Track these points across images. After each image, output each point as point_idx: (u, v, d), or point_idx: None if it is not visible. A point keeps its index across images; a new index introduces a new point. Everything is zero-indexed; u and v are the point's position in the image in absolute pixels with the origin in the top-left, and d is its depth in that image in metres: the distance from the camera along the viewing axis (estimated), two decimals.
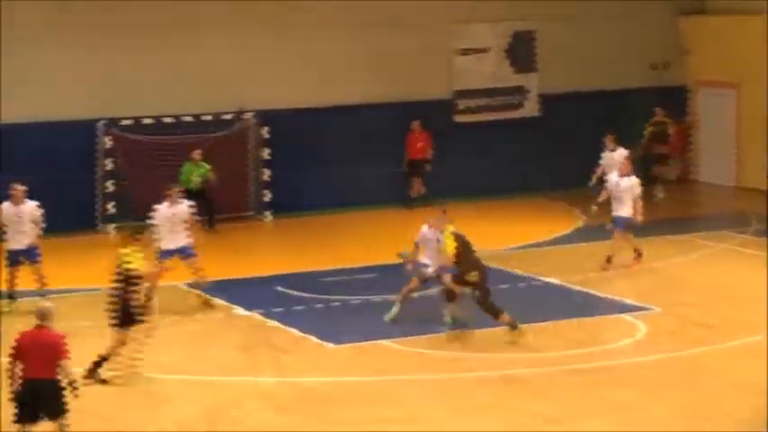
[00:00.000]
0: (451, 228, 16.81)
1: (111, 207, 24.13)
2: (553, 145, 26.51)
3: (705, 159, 27.99)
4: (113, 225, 24.03)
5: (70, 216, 23.58)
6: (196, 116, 24.57)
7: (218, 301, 18.57)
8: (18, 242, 18.03)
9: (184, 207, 18.23)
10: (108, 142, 24.07)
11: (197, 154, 23.75)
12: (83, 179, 23.94)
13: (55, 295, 18.96)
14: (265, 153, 25.13)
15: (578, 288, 19.01)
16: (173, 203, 18.18)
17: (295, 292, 18.85)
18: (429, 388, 14.62)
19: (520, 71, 27.26)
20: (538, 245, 22.10)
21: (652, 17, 27.91)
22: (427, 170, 25.81)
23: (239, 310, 18.16)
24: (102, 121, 24.09)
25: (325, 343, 16.42)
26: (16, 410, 11.88)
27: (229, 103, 24.82)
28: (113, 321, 14.87)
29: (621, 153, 22.13)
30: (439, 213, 17.23)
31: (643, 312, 17.53)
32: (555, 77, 27.14)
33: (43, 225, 18.37)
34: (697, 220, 24.85)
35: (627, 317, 17.41)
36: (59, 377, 11.84)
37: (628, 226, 19.83)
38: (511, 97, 27.28)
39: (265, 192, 25.11)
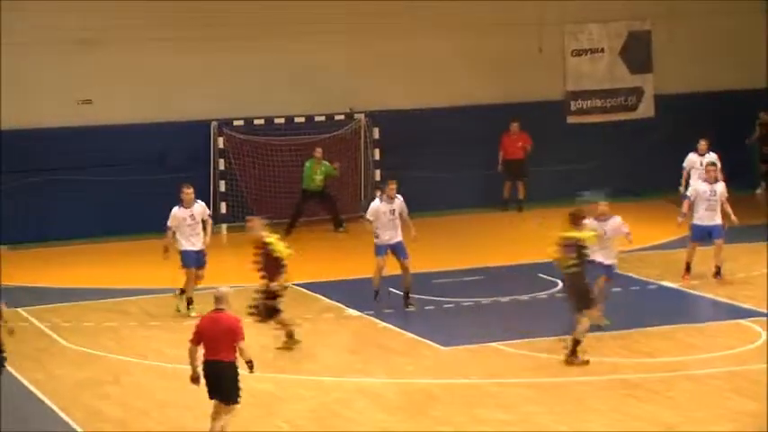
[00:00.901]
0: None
1: (223, 207, 24.31)
2: (669, 146, 26.00)
3: None
4: (226, 225, 24.21)
5: None
6: (308, 117, 24.64)
7: (330, 302, 18.57)
8: (192, 244, 17.96)
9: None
10: (221, 143, 24.27)
11: (318, 152, 23.85)
12: (196, 179, 24.14)
13: (167, 294, 19.19)
14: (376, 153, 25.09)
15: (694, 292, 18.57)
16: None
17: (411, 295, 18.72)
18: (540, 391, 14.39)
19: (635, 72, 26.83)
20: (653, 248, 21.67)
21: None
22: (526, 172, 25.49)
23: (351, 311, 18.12)
24: (215, 122, 24.29)
25: (436, 345, 16.29)
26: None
27: (341, 103, 24.85)
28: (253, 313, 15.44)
29: (709, 158, 21.47)
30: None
31: (763, 318, 17.03)
32: (671, 78, 26.66)
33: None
34: None
35: (746, 322, 16.95)
36: (236, 360, 12.16)
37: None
38: (626, 98, 26.86)
39: (376, 192, 25.04)
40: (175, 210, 18.10)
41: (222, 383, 12.20)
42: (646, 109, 26.94)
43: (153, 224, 23.42)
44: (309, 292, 19.14)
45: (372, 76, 25.14)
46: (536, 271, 20.01)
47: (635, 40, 26.77)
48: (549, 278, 19.47)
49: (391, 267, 18.35)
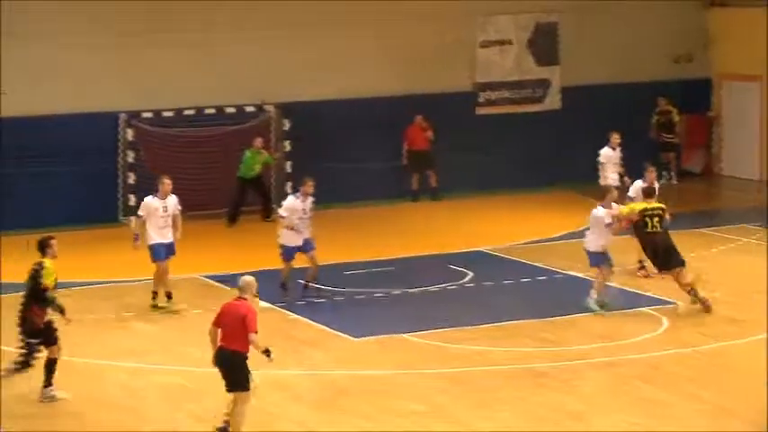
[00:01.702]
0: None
1: (132, 199, 24.15)
2: (575, 138, 26.39)
3: (729, 153, 27.82)
4: (134, 217, 24.05)
5: (93, 208, 23.69)
6: (218, 108, 24.58)
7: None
8: (163, 236, 17.77)
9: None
10: (130, 134, 24.11)
11: (259, 142, 23.94)
12: (105, 171, 24.00)
13: (76, 288, 19.05)
14: (287, 145, 25.11)
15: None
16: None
17: (317, 285, 18.81)
18: (450, 381, 14.58)
19: (542, 64, 27.15)
20: (560, 238, 22.01)
21: (675, 9, 27.74)
22: (432, 163, 25.72)
23: (262, 303, 18.04)
24: (124, 114, 24.12)
25: (347, 336, 16.40)
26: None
27: (252, 95, 24.82)
28: None
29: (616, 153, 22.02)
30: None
31: (666, 307, 17.42)
32: (577, 70, 27.02)
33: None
34: (721, 214, 24.74)
35: (650, 311, 17.33)
36: (246, 350, 12.17)
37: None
38: (533, 90, 27.18)
39: (287, 183, 25.08)
40: (149, 199, 17.94)
41: (231, 372, 12.20)
42: (552, 101, 27.28)
43: (62, 217, 23.29)
44: (218, 285, 19.11)
45: (283, 67, 25.11)
46: (446, 262, 20.25)
47: (542, 32, 27.07)
48: (460, 269, 19.72)
49: (301, 260, 18.42)
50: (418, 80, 25.86)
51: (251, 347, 12.32)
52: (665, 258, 17.42)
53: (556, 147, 26.58)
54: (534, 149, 26.51)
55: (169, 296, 17.89)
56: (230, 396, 12.55)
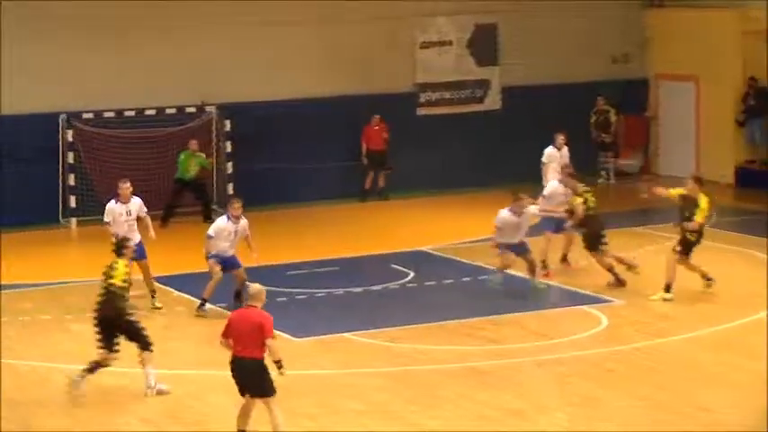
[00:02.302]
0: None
1: (73, 201, 24.02)
2: (514, 139, 26.62)
3: (665, 152, 28.20)
4: (75, 219, 23.97)
5: (33, 209, 23.53)
6: (159, 109, 24.52)
7: (182, 295, 18.56)
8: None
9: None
10: (70, 136, 23.98)
11: (194, 144, 23.89)
12: (45, 173, 23.83)
13: (17, 290, 18.94)
14: (228, 146, 25.09)
15: (539, 280, 19.10)
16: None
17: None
18: (391, 380, 14.67)
19: (482, 64, 27.35)
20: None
21: (614, 10, 28.07)
22: (386, 163, 25.91)
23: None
24: (64, 115, 23.98)
25: (288, 336, 16.42)
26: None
27: (193, 96, 24.77)
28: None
29: (565, 152, 22.34)
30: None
31: (604, 304, 17.65)
32: (517, 71, 27.25)
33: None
34: (656, 213, 25.00)
35: (588, 309, 17.53)
36: (264, 356, 12.12)
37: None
38: (473, 90, 27.37)
39: (228, 185, 25.07)
40: (111, 204, 17.80)
41: (253, 379, 12.15)
42: (492, 101, 27.49)
43: (3, 218, 23.11)
44: (161, 285, 19.07)
45: (226, 68, 25.09)
46: (389, 261, 20.35)
47: (482, 33, 27.26)
48: (402, 269, 19.83)
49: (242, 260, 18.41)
50: (360, 80, 25.95)
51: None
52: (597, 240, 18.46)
53: (496, 147, 26.78)
54: (475, 149, 26.70)
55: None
56: (249, 404, 12.43)
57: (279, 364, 12.23)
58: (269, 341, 12.11)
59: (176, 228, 23.43)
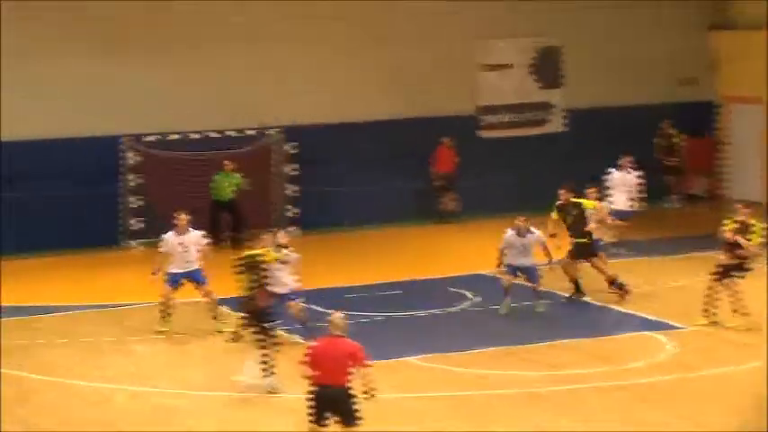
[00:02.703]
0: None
1: (135, 223, 24.15)
2: (577, 161, 26.38)
3: (734, 175, 27.79)
4: (137, 241, 24.09)
5: (94, 231, 23.69)
6: (221, 131, 24.61)
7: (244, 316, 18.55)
8: (181, 267, 17.85)
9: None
10: (132, 158, 24.13)
11: (229, 165, 23.87)
12: (107, 195, 23.99)
13: (77, 311, 19.06)
14: (290, 169, 25.12)
15: (602, 304, 18.86)
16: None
17: (320, 308, 18.75)
18: (451, 405, 14.52)
19: (545, 87, 27.18)
20: (561, 261, 21.92)
21: (679, 32, 27.78)
22: (456, 185, 25.81)
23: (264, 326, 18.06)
24: (126, 137, 24.15)
25: None
26: (310, 411, 12.21)
27: (254, 118, 24.86)
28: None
29: (634, 176, 22.12)
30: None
31: (670, 330, 17.36)
32: (581, 93, 27.05)
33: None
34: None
35: (654, 334, 17.26)
36: (351, 384, 12.13)
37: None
38: (536, 113, 27.19)
39: (290, 207, 25.08)
40: (168, 235, 17.98)
41: (343, 408, 12.13)
42: (555, 124, 27.30)
43: (64, 240, 23.31)
44: (224, 308, 19.07)
45: (286, 91, 25.15)
46: (450, 285, 20.19)
47: (544, 55, 27.10)
48: (463, 292, 19.68)
49: (317, 281, 18.32)
50: (421, 103, 25.89)
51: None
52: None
53: (559, 170, 26.53)
54: (537, 172, 26.49)
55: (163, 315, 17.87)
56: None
57: (371, 392, 12.23)
58: (364, 370, 12.11)
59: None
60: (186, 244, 17.90)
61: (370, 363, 12.13)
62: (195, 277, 17.87)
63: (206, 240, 18.16)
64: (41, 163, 23.53)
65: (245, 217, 23.98)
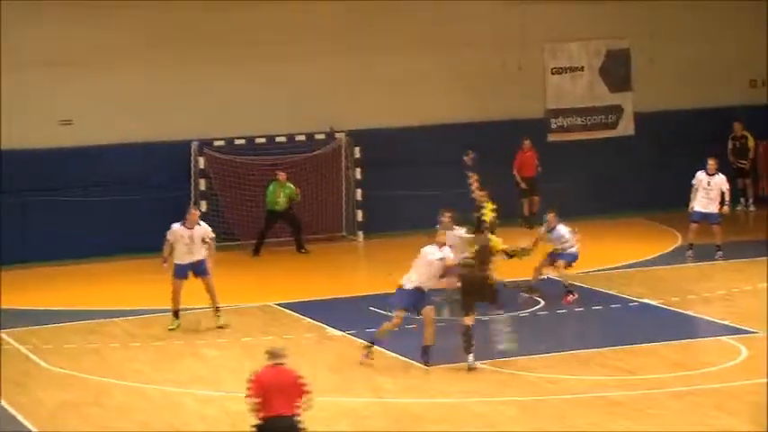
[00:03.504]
0: None
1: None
2: (649, 164, 26.12)
3: None
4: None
5: (165, 236, 23.83)
6: (289, 136, 24.66)
7: (311, 321, 18.57)
8: (187, 259, 18.24)
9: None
10: (202, 163, 24.26)
11: (282, 175, 23.89)
12: (178, 199, 24.11)
13: (147, 315, 19.18)
14: (357, 173, 25.11)
15: (676, 309, 18.62)
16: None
17: (388, 313, 18.69)
18: (521, 410, 14.38)
19: (614, 90, 26.96)
20: (633, 265, 21.72)
21: (749, 33, 27.39)
22: (538, 189, 25.62)
23: (332, 331, 18.10)
24: (196, 142, 24.28)
25: (418, 364, 16.25)
26: None
27: (322, 123, 24.88)
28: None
29: (722, 179, 21.72)
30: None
31: (744, 335, 17.08)
32: (650, 96, 26.77)
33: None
34: None
35: (728, 339, 16.99)
36: (299, 413, 11.66)
37: None
38: (605, 116, 26.97)
39: (358, 212, 25.07)
40: (176, 226, 18.36)
41: None
42: (625, 127, 27.05)
43: (135, 245, 23.48)
44: (290, 312, 19.11)
45: (353, 94, 25.18)
46: (519, 289, 20.00)
47: (614, 58, 26.89)
48: (530, 296, 19.51)
49: (371, 287, 18.29)
50: (490, 107, 25.78)
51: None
52: None
53: (629, 173, 26.30)
54: (607, 176, 26.26)
55: (175, 314, 18.24)
56: None
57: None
58: (307, 397, 11.61)
59: (276, 255, 23.51)
60: (194, 237, 18.20)
61: (309, 390, 11.62)
62: (200, 268, 18.20)
63: (212, 235, 18.47)
64: (115, 168, 23.76)
65: (301, 223, 24.01)
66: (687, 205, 21.81)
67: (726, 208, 21.58)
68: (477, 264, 16.11)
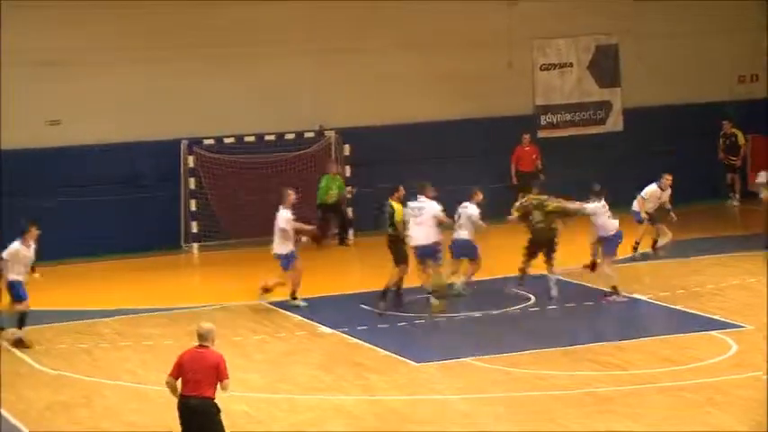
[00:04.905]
0: None
1: (194, 226, 24.26)
2: (637, 160, 26.16)
3: None
4: (196, 244, 24.20)
5: (155, 235, 23.83)
6: (278, 135, 24.67)
7: (301, 319, 18.58)
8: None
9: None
10: (191, 161, 24.25)
11: (333, 168, 24.02)
12: (167, 198, 24.13)
13: (138, 314, 19.18)
14: (347, 170, 25.11)
15: (665, 304, 18.67)
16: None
17: (377, 310, 18.75)
18: (511, 406, 14.40)
19: (603, 86, 27.00)
20: (622, 261, 21.73)
21: (738, 29, 27.45)
22: (541, 181, 25.62)
23: (323, 329, 18.11)
24: (185, 141, 24.27)
25: (408, 361, 16.29)
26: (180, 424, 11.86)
27: (311, 121, 24.88)
28: None
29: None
30: None
31: (734, 330, 17.13)
32: (639, 92, 26.82)
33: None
34: None
35: (717, 334, 17.03)
36: (215, 397, 11.73)
37: None
38: (595, 112, 27.01)
39: (348, 210, 25.07)
40: (16, 244, 17.68)
41: (203, 420, 11.68)
42: (614, 122, 27.10)
43: (124, 244, 23.48)
44: (281, 310, 19.12)
45: (342, 93, 25.18)
46: (510, 285, 20.05)
47: (603, 54, 26.93)
48: (522, 292, 19.55)
49: (362, 284, 18.33)
50: (479, 104, 25.80)
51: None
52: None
53: (618, 168, 26.33)
54: (597, 171, 26.25)
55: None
56: None
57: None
58: (227, 382, 11.68)
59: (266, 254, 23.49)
60: (30, 256, 17.63)
61: (228, 376, 11.66)
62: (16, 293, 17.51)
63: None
64: (104, 168, 23.74)
65: (346, 216, 24.38)
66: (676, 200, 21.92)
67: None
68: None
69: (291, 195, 19.30)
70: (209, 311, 18.80)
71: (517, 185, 25.58)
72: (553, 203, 19.21)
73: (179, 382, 11.81)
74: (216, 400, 11.74)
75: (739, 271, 20.33)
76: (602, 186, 19.77)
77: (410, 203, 18.85)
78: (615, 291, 18.82)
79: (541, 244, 19.09)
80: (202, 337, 11.89)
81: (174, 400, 11.84)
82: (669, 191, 21.88)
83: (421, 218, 18.60)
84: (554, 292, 18.90)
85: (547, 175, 25.76)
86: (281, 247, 18.93)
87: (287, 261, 18.87)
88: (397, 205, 18.94)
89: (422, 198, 18.85)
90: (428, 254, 18.58)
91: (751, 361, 15.79)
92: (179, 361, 11.88)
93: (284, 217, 18.98)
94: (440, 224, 18.75)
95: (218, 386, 11.73)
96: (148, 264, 23.08)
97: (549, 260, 19.15)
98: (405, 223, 18.70)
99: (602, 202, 19.39)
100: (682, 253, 21.76)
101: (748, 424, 13.45)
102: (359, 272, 23.08)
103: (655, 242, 21.73)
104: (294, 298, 19.04)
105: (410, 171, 25.20)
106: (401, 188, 19.14)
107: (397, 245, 18.76)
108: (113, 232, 23.63)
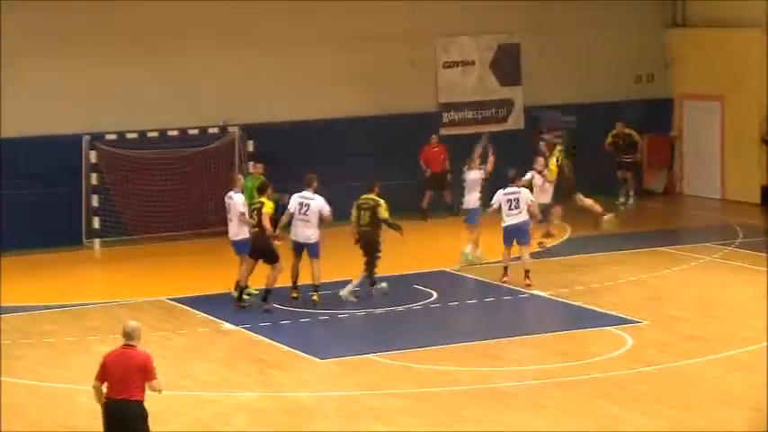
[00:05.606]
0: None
1: (96, 222, 24.06)
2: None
3: (690, 172, 28.05)
4: (98, 240, 24.01)
5: (56, 230, 23.57)
6: (181, 130, 24.56)
7: (204, 316, 18.55)
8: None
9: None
10: (93, 157, 24.04)
11: (255, 168, 23.77)
12: (68, 194, 23.88)
13: (39, 311, 18.99)
14: (250, 167, 25.05)
15: (564, 300, 19.02)
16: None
17: (282, 307, 18.82)
18: (414, 402, 14.58)
19: (505, 84, 27.32)
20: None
21: (636, 30, 28.01)
22: (447, 183, 25.84)
23: (226, 325, 18.12)
24: (87, 136, 24.05)
25: (311, 357, 16.40)
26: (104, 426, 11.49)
27: (215, 117, 24.81)
28: None
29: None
30: None
31: (630, 325, 17.53)
32: (540, 90, 27.21)
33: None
34: (683, 233, 24.93)
35: (614, 330, 17.41)
36: (144, 399, 11.38)
37: None
38: (496, 110, 27.34)
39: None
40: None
41: (132, 424, 11.36)
42: (515, 120, 27.46)
43: (24, 240, 23.19)
44: (184, 307, 19.09)
45: (247, 88, 25.14)
46: (412, 282, 20.27)
47: (504, 52, 27.26)
48: (425, 289, 19.76)
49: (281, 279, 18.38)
50: (384, 101, 25.94)
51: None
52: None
53: (519, 166, 26.64)
54: (498, 169, 26.58)
55: None
56: None
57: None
58: (155, 383, 11.36)
59: (173, 249, 23.44)
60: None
61: (157, 377, 11.38)
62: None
63: None
64: (4, 162, 23.40)
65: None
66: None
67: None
68: None
69: (241, 180, 19.44)
70: (110, 308, 18.67)
71: (427, 185, 25.82)
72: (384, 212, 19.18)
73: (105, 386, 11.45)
74: (143, 401, 11.38)
75: (635, 268, 20.79)
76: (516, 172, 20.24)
77: (295, 195, 18.84)
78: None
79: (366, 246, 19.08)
80: (128, 335, 11.42)
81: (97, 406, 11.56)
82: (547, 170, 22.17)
83: (307, 215, 18.62)
84: (353, 298, 18.92)
85: (453, 173, 26.06)
86: (239, 232, 18.75)
87: (245, 247, 18.69)
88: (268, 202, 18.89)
89: (308, 192, 18.86)
90: (313, 252, 18.68)
91: (645, 356, 16.20)
92: (103, 362, 11.44)
93: (241, 201, 18.84)
94: (323, 221, 18.78)
95: (147, 387, 11.35)
96: (49, 260, 22.83)
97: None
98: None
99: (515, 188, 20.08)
100: (579, 249, 22.18)
101: (648, 419, 13.80)
102: (263, 268, 23.01)
103: (547, 235, 22.08)
104: (241, 291, 18.78)
105: (313, 168, 25.31)
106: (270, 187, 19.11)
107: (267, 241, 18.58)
108: (14, 227, 23.31)
